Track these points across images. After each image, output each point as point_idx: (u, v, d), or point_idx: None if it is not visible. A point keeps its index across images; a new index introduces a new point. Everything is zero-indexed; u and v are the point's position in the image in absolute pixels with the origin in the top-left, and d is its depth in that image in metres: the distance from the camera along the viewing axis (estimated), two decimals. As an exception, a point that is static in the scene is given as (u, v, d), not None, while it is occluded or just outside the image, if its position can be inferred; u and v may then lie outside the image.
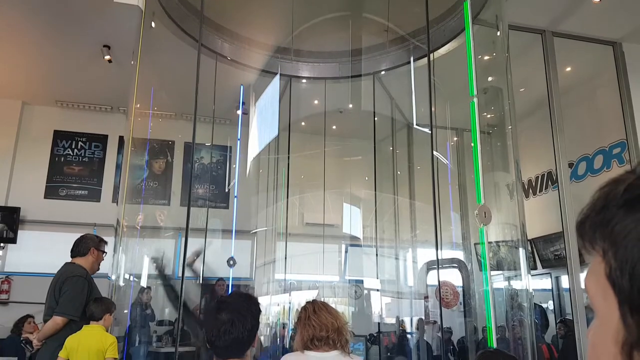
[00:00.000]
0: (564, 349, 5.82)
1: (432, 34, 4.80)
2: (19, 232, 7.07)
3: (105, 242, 3.54)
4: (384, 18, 5.51)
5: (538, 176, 7.07)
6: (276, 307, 6.45)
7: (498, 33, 4.25)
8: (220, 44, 5.55)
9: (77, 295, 3.11)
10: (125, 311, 5.30)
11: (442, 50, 5.11)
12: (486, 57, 4.51)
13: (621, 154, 5.63)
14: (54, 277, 3.24)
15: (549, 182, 6.81)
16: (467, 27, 3.42)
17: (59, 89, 7.24)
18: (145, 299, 5.95)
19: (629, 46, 5.42)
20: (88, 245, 3.34)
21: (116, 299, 4.42)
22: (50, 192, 7.55)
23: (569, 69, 5.88)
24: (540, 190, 7.04)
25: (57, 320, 3.05)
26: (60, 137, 7.77)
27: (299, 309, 2.34)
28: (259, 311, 1.70)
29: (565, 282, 6.36)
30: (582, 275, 4.58)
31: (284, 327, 6.20)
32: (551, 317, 6.87)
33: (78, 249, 3.34)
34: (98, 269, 3.46)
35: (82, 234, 3.48)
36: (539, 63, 5.10)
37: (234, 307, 1.63)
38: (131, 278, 5.50)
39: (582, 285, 4.48)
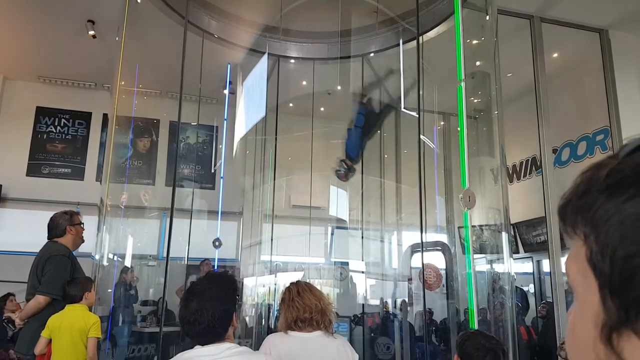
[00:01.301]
0: (544, 330, 5.97)
1: (422, 17, 4.76)
2: (0, 210, 6.96)
3: (77, 213, 3.42)
4: (374, -1, 5.44)
5: (522, 161, 7.15)
6: (262, 289, 6.48)
7: (487, 17, 4.23)
8: (207, 21, 5.44)
9: (60, 274, 3.08)
10: (109, 290, 5.28)
11: (431, 34, 5.07)
12: (475, 42, 4.49)
13: (604, 141, 5.71)
14: (37, 256, 3.19)
15: (533, 168, 6.89)
16: (456, 11, 3.39)
17: (41, 64, 7.06)
18: (129, 278, 5.93)
19: (615, 33, 5.44)
20: (62, 226, 3.25)
21: (100, 279, 4.40)
22: (33, 170, 7.42)
23: (555, 55, 5.90)
24: (524, 176, 7.12)
25: (40, 300, 3.02)
26: (42, 113, 7.61)
27: (284, 290, 2.34)
28: (234, 291, 1.69)
29: (546, 265, 6.48)
30: (563, 260, 4.67)
31: (269, 308, 6.24)
32: (532, 300, 7.03)
33: (54, 232, 3.26)
34: (82, 241, 3.39)
35: (51, 216, 3.32)
36: (527, 48, 5.10)
37: (202, 295, 1.61)
38: (115, 258, 5.46)
39: (563, 269, 4.57)
